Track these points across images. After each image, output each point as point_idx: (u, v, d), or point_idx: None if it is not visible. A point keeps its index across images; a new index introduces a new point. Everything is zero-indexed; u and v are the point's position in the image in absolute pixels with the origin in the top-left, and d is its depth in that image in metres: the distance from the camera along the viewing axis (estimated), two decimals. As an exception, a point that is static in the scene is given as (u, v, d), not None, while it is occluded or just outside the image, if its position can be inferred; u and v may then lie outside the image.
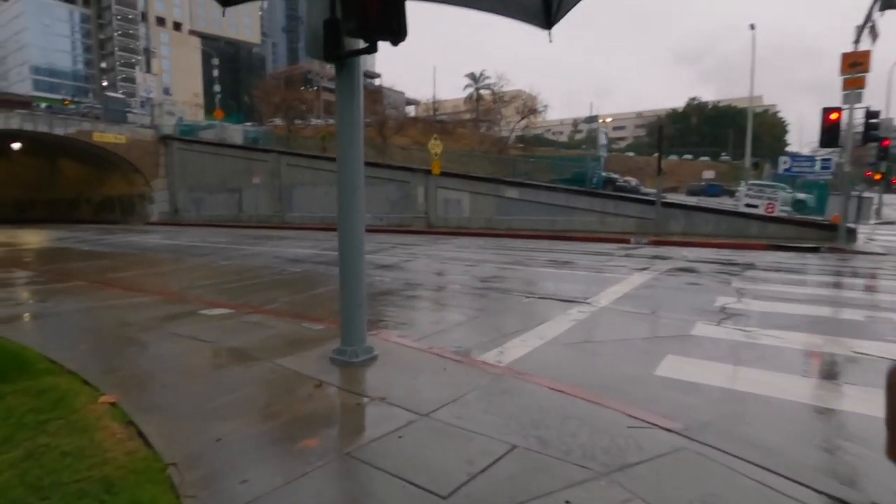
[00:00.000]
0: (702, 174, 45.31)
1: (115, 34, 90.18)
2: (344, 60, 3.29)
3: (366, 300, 3.59)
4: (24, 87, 71.51)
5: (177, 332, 4.31)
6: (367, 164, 19.52)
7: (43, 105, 34.90)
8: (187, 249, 13.25)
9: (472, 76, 70.89)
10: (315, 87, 74.78)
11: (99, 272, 9.34)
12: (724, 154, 71.81)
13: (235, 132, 35.30)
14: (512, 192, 20.87)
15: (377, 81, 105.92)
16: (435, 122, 58.58)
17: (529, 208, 20.34)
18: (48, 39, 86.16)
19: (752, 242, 12.97)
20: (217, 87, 41.03)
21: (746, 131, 29.99)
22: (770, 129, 77.01)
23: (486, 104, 62.18)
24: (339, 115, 3.37)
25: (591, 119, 26.30)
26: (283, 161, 28.15)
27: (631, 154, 75.98)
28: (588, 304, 5.74)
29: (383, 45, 3.03)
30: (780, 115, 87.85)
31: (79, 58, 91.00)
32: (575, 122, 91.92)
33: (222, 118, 37.10)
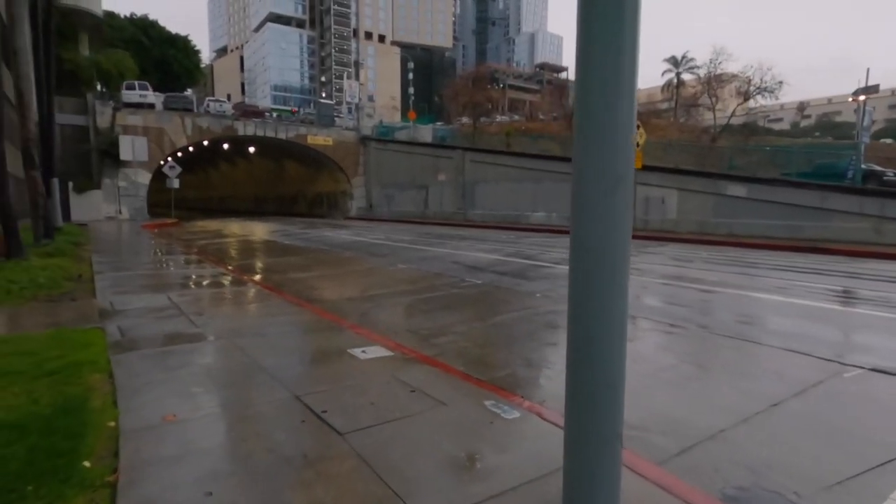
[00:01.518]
0: None
1: (333, 51, 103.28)
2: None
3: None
4: (265, 102, 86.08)
5: (303, 397, 3.03)
6: (554, 158, 17.41)
7: (274, 115, 40.68)
8: (370, 248, 13.01)
9: (672, 60, 63.16)
10: (501, 86, 75.14)
11: (282, 271, 9.23)
12: None
13: (425, 132, 36.50)
14: (737, 190, 16.74)
15: (563, 75, 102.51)
16: (626, 112, 53.29)
17: (760, 210, 16.04)
18: (284, 60, 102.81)
19: None
20: (411, 90, 43.15)
21: None
22: None
23: (689, 90, 54.58)
24: (583, 49, 1.47)
25: (869, 90, 20.11)
26: (468, 157, 27.74)
27: (888, 141, 59.41)
28: None
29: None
30: None
31: (305, 74, 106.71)
32: (801, 106, 75.83)
33: (415, 119, 38.72)
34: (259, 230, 21.32)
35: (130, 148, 20.71)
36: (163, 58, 52.56)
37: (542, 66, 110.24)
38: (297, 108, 59.01)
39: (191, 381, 3.13)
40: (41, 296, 5.56)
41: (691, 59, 58.45)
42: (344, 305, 6.10)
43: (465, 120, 54.05)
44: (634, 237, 17.38)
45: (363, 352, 3.77)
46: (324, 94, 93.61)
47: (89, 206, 25.56)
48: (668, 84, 64.83)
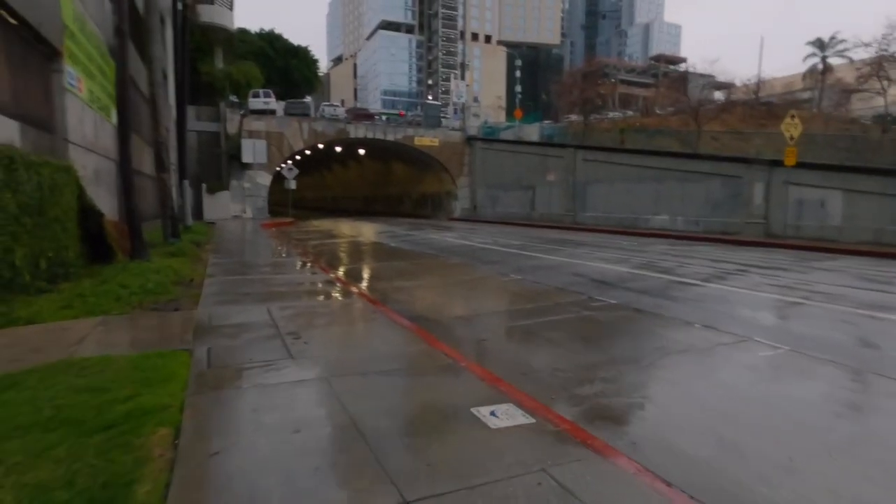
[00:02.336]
0: None
1: (440, 53, 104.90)
2: None
3: None
4: (376, 106, 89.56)
5: None
6: (679, 155, 15.03)
7: (383, 118, 41.74)
8: (478, 254, 12.10)
9: (817, 43, 55.21)
10: (612, 81, 70.85)
11: (388, 278, 8.61)
12: None
13: (532, 130, 35.09)
14: (934, 191, 13.43)
15: (681, 66, 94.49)
16: (759, 104, 47.43)
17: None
18: (393, 66, 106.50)
19: None
20: (518, 88, 41.91)
21: None
22: None
23: (841, 75, 47.13)
24: None
25: None
26: (579, 156, 25.91)
27: None
28: None
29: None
30: None
31: (413, 77, 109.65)
32: None
33: (521, 118, 37.44)
34: (366, 231, 21.48)
35: (251, 151, 21.92)
36: (285, 67, 56.57)
37: (658, 59, 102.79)
38: (404, 112, 60.49)
39: (270, 451, 2.35)
40: (147, 303, 5.32)
41: (841, 41, 50.56)
42: (457, 328, 5.19)
43: (573, 117, 51.54)
44: (783, 246, 14.67)
45: (492, 414, 2.78)
46: (430, 97, 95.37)
47: (219, 206, 27.72)
48: (812, 70, 56.88)
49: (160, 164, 11.03)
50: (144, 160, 14.65)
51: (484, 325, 5.37)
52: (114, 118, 11.79)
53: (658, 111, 56.15)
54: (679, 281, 7.97)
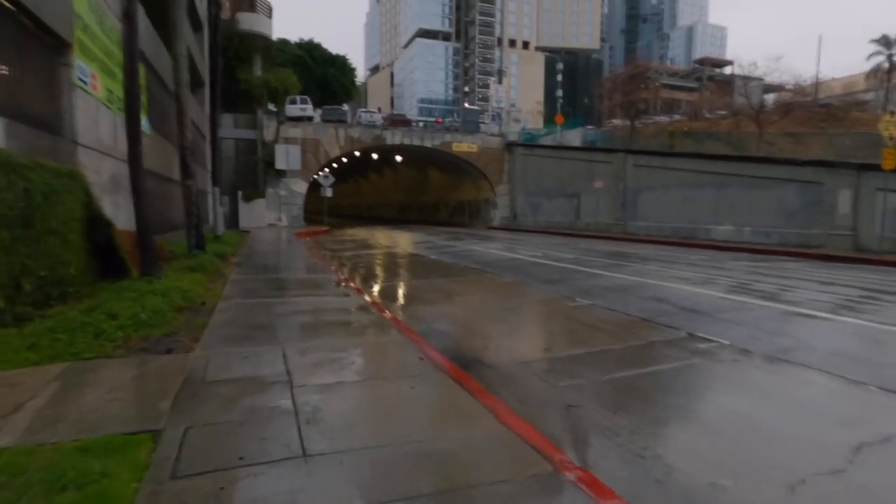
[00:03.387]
0: None
1: (477, 61, 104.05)
2: None
3: None
4: (412, 114, 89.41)
5: None
6: (747, 159, 12.69)
7: (420, 124, 40.88)
8: (530, 269, 10.70)
9: (882, 41, 51.47)
10: (656, 84, 68.14)
11: (431, 301, 7.33)
12: None
13: (574, 136, 33.49)
14: None
15: (727, 70, 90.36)
16: (818, 106, 44.21)
17: None
18: (429, 73, 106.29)
19: None
20: (560, 92, 40.35)
21: None
22: None
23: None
24: None
25: None
26: (630, 161, 24.11)
27: None
28: None
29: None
30: None
31: (449, 85, 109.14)
32: None
33: (562, 123, 35.84)
34: (403, 241, 20.38)
35: (285, 157, 21.19)
36: (324, 76, 56.67)
37: (702, 62, 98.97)
38: (440, 119, 59.69)
39: None
40: (134, 340, 4.22)
41: (912, 36, 46.92)
42: (529, 383, 3.84)
43: (615, 122, 49.50)
44: (885, 263, 12.61)
45: None
46: (466, 104, 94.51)
47: (255, 214, 27.26)
48: (876, 69, 53.15)
49: (185, 170, 10.16)
50: (174, 166, 14.01)
51: (565, 376, 4.01)
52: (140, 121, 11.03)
53: (707, 115, 53.45)
54: (797, 312, 6.36)
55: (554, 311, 6.80)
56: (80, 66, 7.32)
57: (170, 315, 4.92)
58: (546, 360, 4.54)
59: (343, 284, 7.91)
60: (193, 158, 10.53)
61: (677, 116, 57.75)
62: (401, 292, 8.56)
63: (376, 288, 8.72)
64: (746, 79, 57.25)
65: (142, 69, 11.85)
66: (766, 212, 17.98)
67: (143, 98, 11.73)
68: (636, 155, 24.12)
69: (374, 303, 6.58)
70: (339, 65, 60.33)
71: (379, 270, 11.46)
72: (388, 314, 5.88)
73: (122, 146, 9.59)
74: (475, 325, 6.06)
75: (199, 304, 5.87)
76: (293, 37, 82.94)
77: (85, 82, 7.47)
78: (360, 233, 26.53)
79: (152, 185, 12.25)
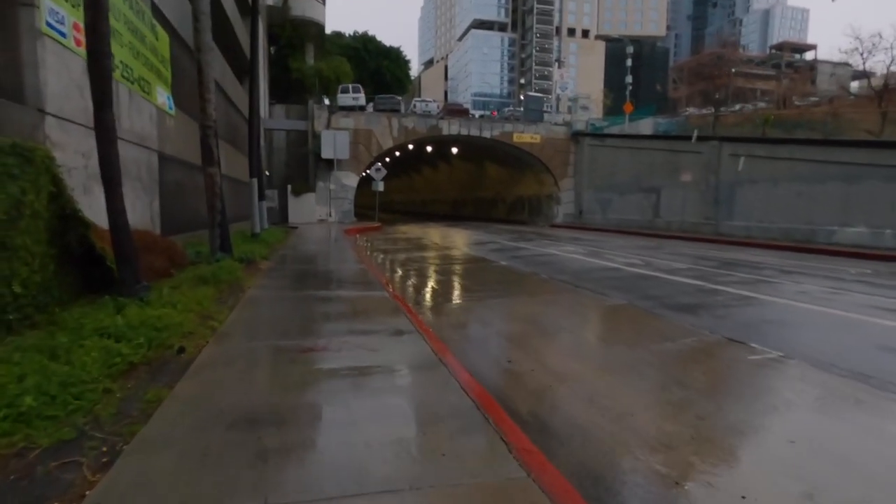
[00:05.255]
0: None
1: (534, 51, 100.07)
2: None
3: None
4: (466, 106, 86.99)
5: None
6: (881, 144, 9.28)
7: (477, 115, 38.50)
8: (640, 285, 8.08)
9: None
10: (733, 71, 62.37)
11: (518, 340, 4.94)
12: None
13: (644, 126, 30.01)
14: None
15: (809, 55, 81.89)
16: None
17: None
18: (485, 65, 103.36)
19: None
20: (629, 79, 36.74)
21: None
22: None
23: None
24: None
25: None
26: (725, 150, 20.68)
27: None
28: None
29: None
30: None
31: (504, 77, 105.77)
32: None
33: (631, 112, 32.33)
34: (461, 241, 18.08)
35: (332, 144, 19.24)
36: (377, 68, 55.37)
37: (781, 47, 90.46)
38: (496, 111, 56.95)
39: None
40: (19, 444, 2.11)
41: None
42: None
43: (690, 110, 45.36)
44: None
45: None
46: (522, 97, 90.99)
47: (304, 209, 25.82)
48: None
49: (207, 154, 8.29)
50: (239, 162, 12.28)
51: None
52: (157, 96, 9.25)
53: (798, 102, 48.02)
54: None
55: (712, 366, 4.24)
56: (52, 8, 5.43)
57: (90, 392, 2.77)
58: (740, 489, 2.07)
59: (395, 308, 5.66)
60: (222, 142, 8.66)
61: (761, 104, 52.28)
62: (471, 317, 6.21)
63: (438, 311, 6.45)
64: (837, 65, 50.67)
65: (166, 37, 10.14)
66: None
67: (167, 72, 10.01)
68: (735, 143, 20.64)
69: (437, 347, 4.26)
70: (394, 57, 58.87)
71: (439, 285, 9.16)
72: (464, 376, 3.55)
73: (129, 124, 7.80)
74: (601, 391, 3.64)
75: (176, 350, 3.78)
76: (348, 30, 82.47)
77: (58, 31, 5.58)
78: (413, 230, 24.48)
79: (177, 175, 10.52)
